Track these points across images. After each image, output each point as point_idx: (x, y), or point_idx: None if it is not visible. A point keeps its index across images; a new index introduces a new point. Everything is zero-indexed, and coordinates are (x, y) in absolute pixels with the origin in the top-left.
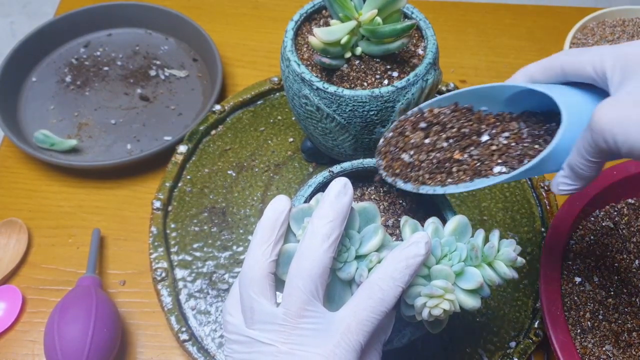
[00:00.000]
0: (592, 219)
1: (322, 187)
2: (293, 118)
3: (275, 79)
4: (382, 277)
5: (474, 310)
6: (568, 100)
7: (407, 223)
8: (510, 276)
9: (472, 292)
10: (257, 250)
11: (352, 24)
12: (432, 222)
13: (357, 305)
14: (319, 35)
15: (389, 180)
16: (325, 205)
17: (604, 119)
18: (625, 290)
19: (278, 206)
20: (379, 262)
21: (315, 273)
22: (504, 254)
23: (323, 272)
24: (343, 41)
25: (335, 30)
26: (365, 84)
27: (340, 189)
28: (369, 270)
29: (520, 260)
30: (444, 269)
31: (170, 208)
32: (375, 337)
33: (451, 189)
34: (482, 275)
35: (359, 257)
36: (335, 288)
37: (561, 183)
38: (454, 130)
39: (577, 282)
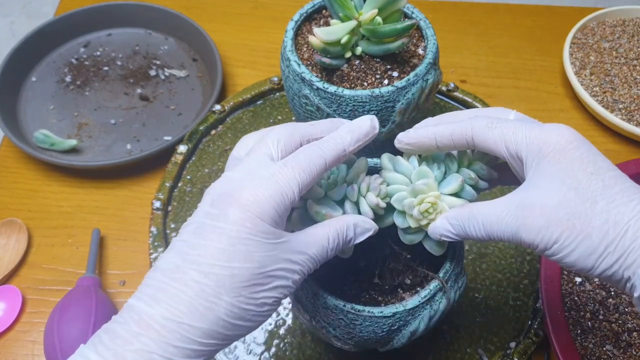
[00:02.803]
0: None
1: None
2: (293, 118)
3: (275, 79)
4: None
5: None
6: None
7: (385, 155)
8: (486, 171)
9: (456, 195)
10: (340, 138)
11: (352, 23)
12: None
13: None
14: (319, 35)
15: None
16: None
17: (535, 224)
18: None
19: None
20: (368, 186)
21: (319, 162)
22: (477, 156)
23: (322, 167)
24: (343, 41)
25: (336, 30)
26: (365, 83)
27: (372, 118)
28: (359, 188)
29: (493, 160)
30: (423, 169)
31: (170, 208)
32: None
33: None
34: (463, 175)
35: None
36: (324, 204)
37: (445, 230)
38: None
39: (577, 282)
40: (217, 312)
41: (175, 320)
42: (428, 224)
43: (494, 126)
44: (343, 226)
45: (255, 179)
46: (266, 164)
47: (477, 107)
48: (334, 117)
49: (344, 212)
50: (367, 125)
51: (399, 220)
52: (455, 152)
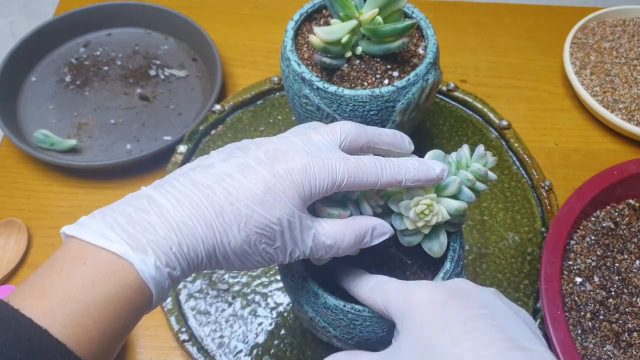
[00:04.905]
0: (593, 219)
1: None
2: (293, 118)
3: (275, 78)
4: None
5: (461, 213)
6: None
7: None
8: (484, 173)
9: (454, 197)
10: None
11: (352, 23)
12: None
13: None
14: (320, 34)
15: None
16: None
17: None
18: (626, 291)
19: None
20: None
21: (372, 180)
22: (475, 158)
23: (371, 185)
24: (343, 40)
25: (336, 30)
26: (365, 83)
27: (444, 169)
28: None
29: (491, 162)
30: None
31: None
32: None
33: None
34: (460, 177)
35: None
36: (330, 204)
37: None
38: None
39: (577, 283)
40: (224, 238)
41: (191, 229)
42: (425, 225)
43: (376, 289)
44: (362, 229)
45: (313, 153)
46: (330, 146)
47: (477, 106)
48: (334, 116)
49: (351, 213)
50: (436, 172)
51: (396, 222)
52: (453, 155)
